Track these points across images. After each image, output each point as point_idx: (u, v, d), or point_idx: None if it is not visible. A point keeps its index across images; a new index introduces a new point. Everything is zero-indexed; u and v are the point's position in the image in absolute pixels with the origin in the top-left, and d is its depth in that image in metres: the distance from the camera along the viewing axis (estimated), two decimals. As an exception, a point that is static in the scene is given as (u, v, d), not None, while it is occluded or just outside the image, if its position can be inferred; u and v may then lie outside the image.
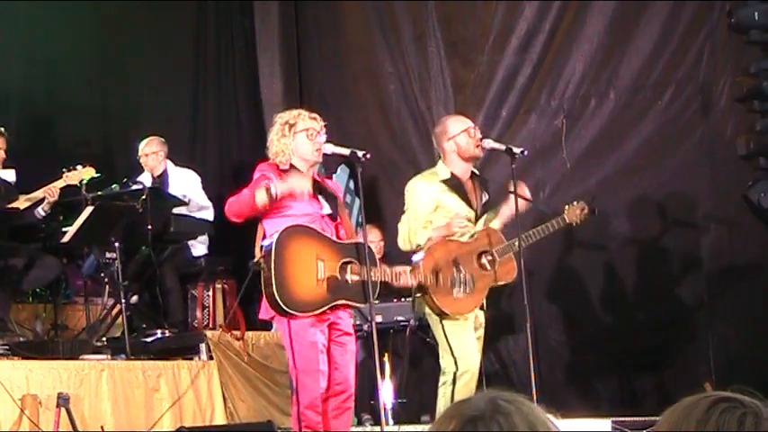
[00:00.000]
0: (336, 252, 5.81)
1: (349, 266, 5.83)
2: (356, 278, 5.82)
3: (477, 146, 6.45)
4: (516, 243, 6.34)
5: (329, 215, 5.91)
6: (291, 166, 5.84)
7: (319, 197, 5.89)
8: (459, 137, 6.44)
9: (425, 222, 6.33)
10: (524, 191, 6.56)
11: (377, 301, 6.32)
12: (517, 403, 1.66)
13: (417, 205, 6.38)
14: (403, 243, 6.43)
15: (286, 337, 5.74)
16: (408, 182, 6.56)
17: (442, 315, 6.26)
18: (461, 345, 6.24)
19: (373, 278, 5.81)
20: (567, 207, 6.62)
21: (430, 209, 6.33)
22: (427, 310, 6.34)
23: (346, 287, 5.82)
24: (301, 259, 5.70)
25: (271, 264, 5.62)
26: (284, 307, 5.65)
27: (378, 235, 8.55)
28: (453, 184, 6.39)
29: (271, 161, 5.88)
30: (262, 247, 5.73)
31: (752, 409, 1.69)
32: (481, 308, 6.43)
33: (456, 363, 6.19)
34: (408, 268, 6.08)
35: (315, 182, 5.95)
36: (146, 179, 8.75)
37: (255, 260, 5.75)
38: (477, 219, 6.45)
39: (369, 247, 5.91)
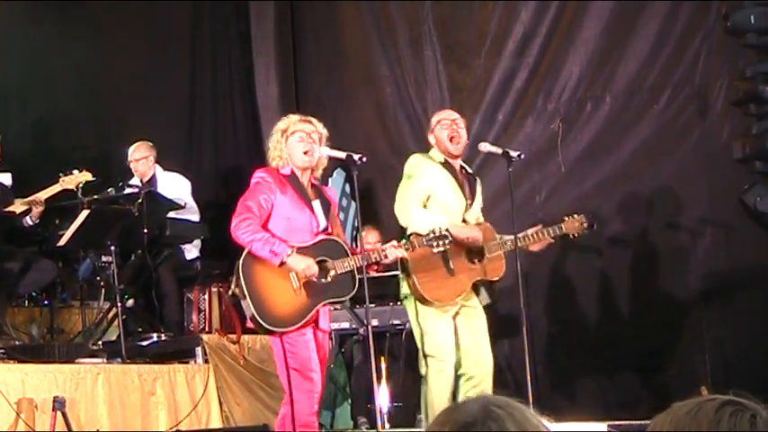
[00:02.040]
0: (306, 256, 5.79)
1: (322, 265, 5.82)
2: (332, 273, 5.81)
3: (451, 138, 6.44)
4: (507, 243, 6.38)
5: (323, 229, 5.91)
6: (293, 172, 5.87)
7: (316, 212, 5.88)
8: (437, 128, 6.50)
9: (424, 201, 6.32)
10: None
11: (373, 305, 6.32)
12: (509, 408, 1.67)
13: (420, 178, 6.36)
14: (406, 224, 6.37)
15: (276, 341, 5.75)
16: (407, 160, 6.57)
17: (422, 301, 6.26)
18: (435, 343, 6.26)
19: (348, 267, 5.80)
20: (566, 218, 6.64)
21: (430, 184, 6.33)
22: (409, 309, 6.37)
23: (326, 287, 5.81)
24: (272, 276, 5.69)
25: (244, 291, 5.64)
26: (271, 328, 5.69)
27: (376, 236, 8.55)
28: (449, 167, 6.43)
29: (270, 166, 5.90)
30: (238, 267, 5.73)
31: (758, 411, 1.69)
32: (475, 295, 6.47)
33: (427, 362, 6.24)
34: (394, 242, 6.06)
35: (313, 187, 5.96)
36: (135, 184, 8.75)
37: (230, 293, 5.80)
38: (467, 209, 6.47)
39: (337, 240, 5.90)
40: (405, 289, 6.38)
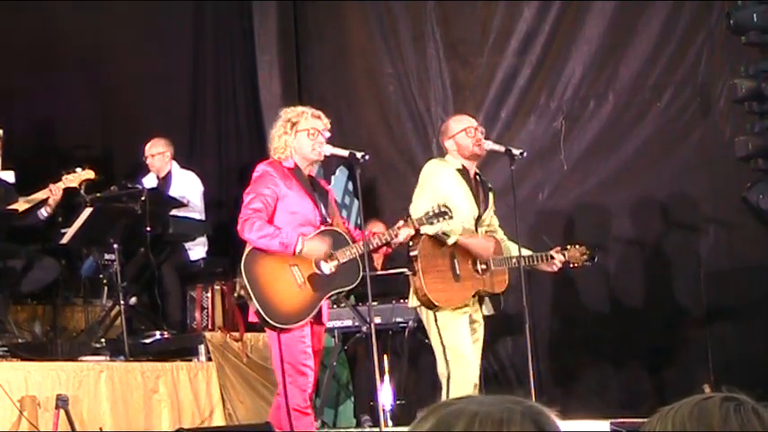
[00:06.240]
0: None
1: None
2: (335, 263, 5.79)
3: (477, 144, 6.46)
4: (513, 260, 6.36)
5: (324, 221, 5.91)
6: (296, 165, 5.84)
7: (319, 205, 5.87)
8: (459, 135, 6.46)
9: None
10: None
11: (376, 303, 6.31)
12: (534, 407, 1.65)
13: (437, 184, 6.34)
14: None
15: (273, 336, 5.75)
16: (424, 166, 6.54)
17: (429, 306, 6.24)
18: (455, 347, 6.24)
19: (351, 255, 5.79)
20: (569, 246, 6.60)
21: (446, 191, 6.31)
22: (423, 314, 6.34)
23: (330, 277, 5.79)
24: (274, 273, 5.68)
25: (248, 291, 5.63)
26: (278, 324, 5.66)
27: (381, 228, 8.54)
28: (464, 175, 6.42)
29: (272, 159, 5.86)
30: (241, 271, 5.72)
31: (755, 404, 1.69)
32: (479, 307, 6.43)
33: (448, 366, 6.20)
34: (401, 222, 5.98)
35: (311, 179, 5.95)
36: (150, 180, 8.76)
37: (236, 294, 5.80)
38: (479, 218, 6.46)
39: (338, 230, 5.90)
40: (413, 300, 6.35)
